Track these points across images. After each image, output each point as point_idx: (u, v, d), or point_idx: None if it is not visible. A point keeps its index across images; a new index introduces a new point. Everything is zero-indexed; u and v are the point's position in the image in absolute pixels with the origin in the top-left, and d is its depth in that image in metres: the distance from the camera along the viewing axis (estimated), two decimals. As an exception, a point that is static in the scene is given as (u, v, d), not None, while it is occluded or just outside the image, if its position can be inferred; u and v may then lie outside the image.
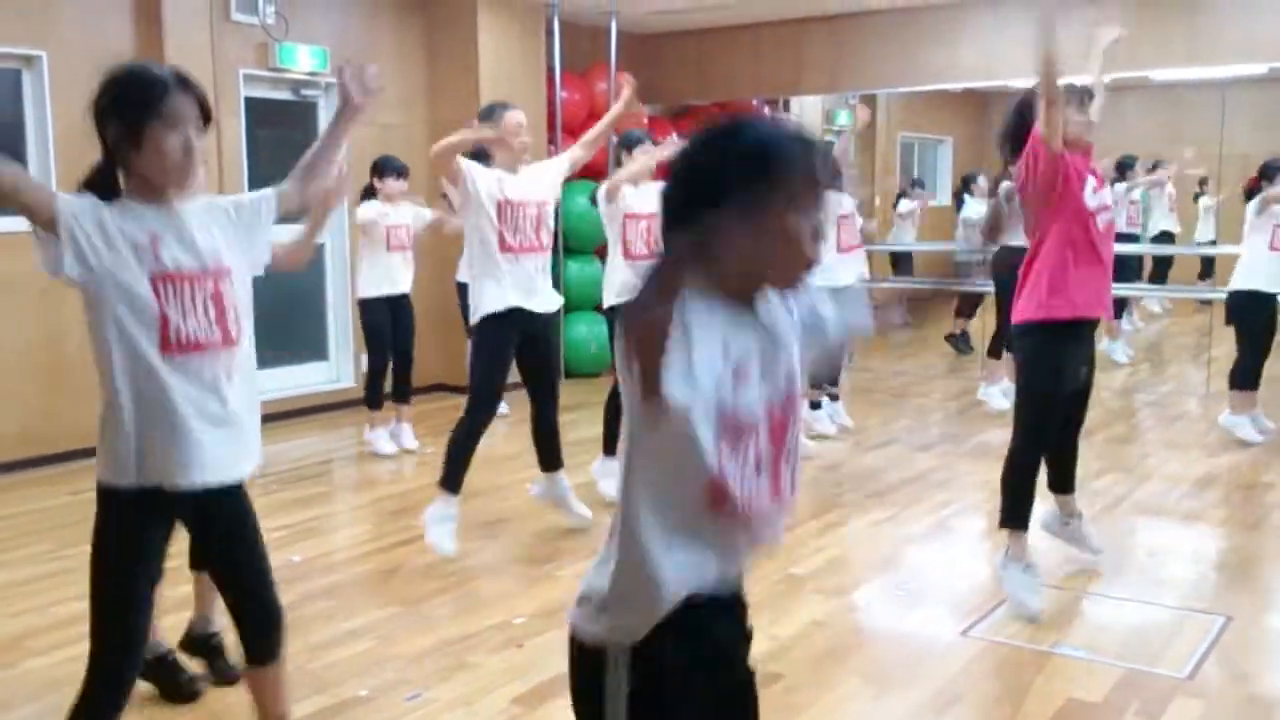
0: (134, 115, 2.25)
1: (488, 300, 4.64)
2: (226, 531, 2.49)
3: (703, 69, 10.21)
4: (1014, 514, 4.16)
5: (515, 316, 4.64)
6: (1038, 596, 4.09)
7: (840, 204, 6.88)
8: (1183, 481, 5.91)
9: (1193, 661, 3.65)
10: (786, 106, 11.55)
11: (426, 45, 8.40)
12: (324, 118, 7.90)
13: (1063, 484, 4.43)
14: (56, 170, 6.24)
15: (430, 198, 8.21)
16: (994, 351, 7.72)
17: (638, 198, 5.21)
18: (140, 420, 2.30)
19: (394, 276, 6.49)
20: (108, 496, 2.37)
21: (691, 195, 1.59)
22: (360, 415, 7.08)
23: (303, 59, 7.46)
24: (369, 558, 4.81)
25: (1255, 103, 14.40)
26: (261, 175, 7.63)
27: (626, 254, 5.25)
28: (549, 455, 4.94)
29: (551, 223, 4.81)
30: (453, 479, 4.70)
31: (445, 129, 8.29)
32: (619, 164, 5.48)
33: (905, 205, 12.16)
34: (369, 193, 6.50)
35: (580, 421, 7.67)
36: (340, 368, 8.11)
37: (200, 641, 3.54)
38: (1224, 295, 7.10)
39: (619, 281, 5.29)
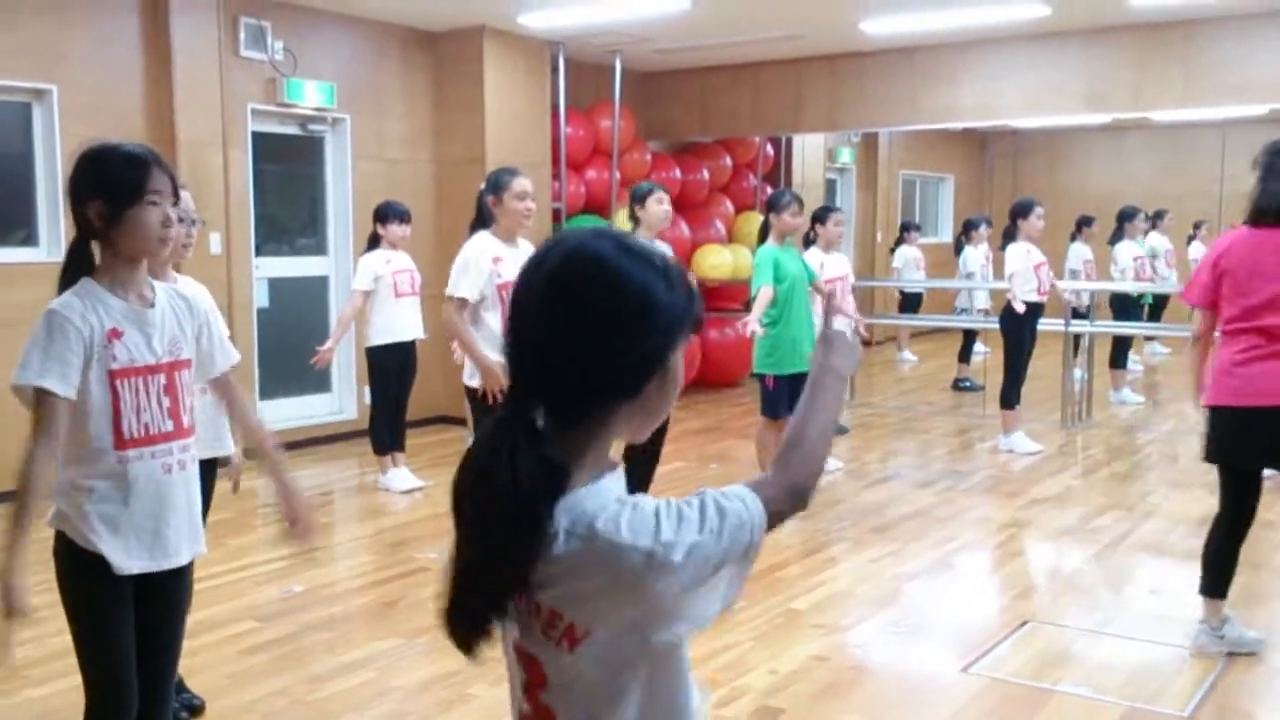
0: (120, 197, 2.31)
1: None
2: (157, 614, 2.50)
3: (705, 107, 10.30)
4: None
5: None
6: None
7: (831, 268, 6.90)
8: (1185, 520, 5.90)
9: (1194, 701, 3.64)
10: (788, 144, 11.66)
11: (433, 82, 8.48)
12: (330, 153, 7.98)
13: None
14: (65, 204, 6.29)
15: (431, 249, 8.27)
16: (1006, 402, 7.64)
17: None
18: (90, 504, 2.35)
19: (403, 324, 6.41)
20: (63, 543, 2.40)
21: (646, 354, 1.32)
22: (362, 447, 7.09)
23: (310, 94, 7.54)
24: (370, 589, 4.81)
25: (1255, 143, 14.50)
26: (268, 209, 7.70)
27: None
28: None
29: None
30: None
31: (451, 165, 8.44)
32: (632, 216, 5.35)
33: (901, 256, 12.13)
34: (374, 240, 6.48)
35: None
36: (343, 399, 8.13)
37: None
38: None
39: None
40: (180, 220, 2.89)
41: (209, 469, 3.45)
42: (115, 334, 2.34)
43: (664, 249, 1.40)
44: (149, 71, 6.76)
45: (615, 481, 1.34)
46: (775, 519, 1.35)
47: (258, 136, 7.39)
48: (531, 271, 1.33)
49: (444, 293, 4.73)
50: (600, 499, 1.29)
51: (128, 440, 2.36)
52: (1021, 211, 7.62)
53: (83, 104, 6.42)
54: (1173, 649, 4.11)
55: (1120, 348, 9.85)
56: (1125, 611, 4.57)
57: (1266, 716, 3.54)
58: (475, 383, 4.64)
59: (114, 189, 2.32)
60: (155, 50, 6.76)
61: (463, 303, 4.59)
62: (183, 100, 6.78)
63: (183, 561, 2.49)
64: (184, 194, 3.14)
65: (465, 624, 1.35)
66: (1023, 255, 7.51)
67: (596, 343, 1.29)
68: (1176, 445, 8.03)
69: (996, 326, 7.95)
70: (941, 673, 3.91)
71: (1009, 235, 7.72)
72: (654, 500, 1.29)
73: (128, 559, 2.38)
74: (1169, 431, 8.54)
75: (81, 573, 2.38)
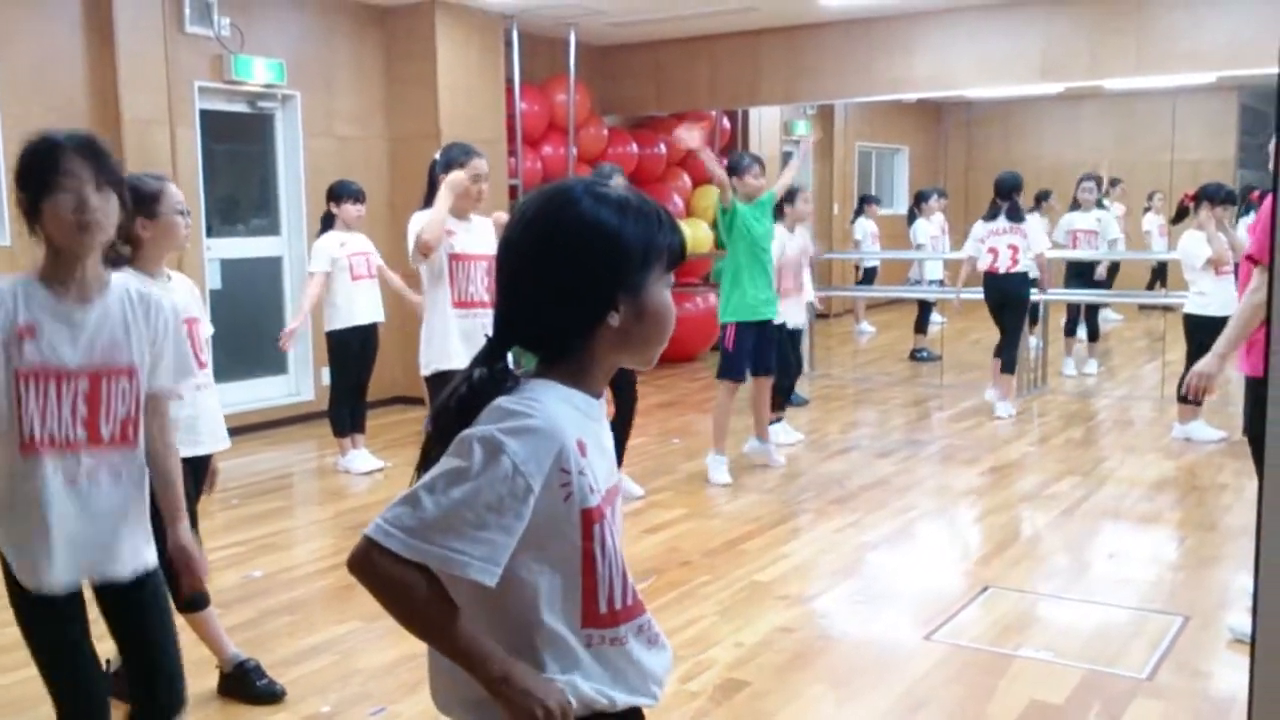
0: (34, 185, 2.20)
1: (436, 356, 4.62)
2: (128, 620, 2.43)
3: (661, 80, 10.25)
4: None
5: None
6: None
7: (791, 246, 6.89)
8: (1139, 484, 5.99)
9: (1152, 662, 3.69)
10: (745, 117, 11.64)
11: (384, 58, 8.36)
12: (281, 130, 7.84)
13: None
14: (7, 182, 6.14)
15: (386, 227, 8.17)
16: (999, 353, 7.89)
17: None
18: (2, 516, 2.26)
19: (361, 307, 6.27)
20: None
21: (599, 281, 1.42)
22: (320, 429, 7.02)
23: (259, 71, 7.40)
24: (330, 572, 4.76)
25: (1204, 111, 14.71)
26: (219, 189, 7.57)
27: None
28: None
29: None
30: None
31: (405, 142, 8.34)
32: None
33: (861, 228, 12.21)
34: (327, 219, 6.37)
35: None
36: (300, 381, 8.03)
37: (237, 678, 3.48)
38: (1175, 300, 7.20)
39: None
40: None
41: (204, 464, 3.38)
42: (29, 331, 2.18)
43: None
44: (91, 49, 6.60)
45: (560, 391, 1.43)
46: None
47: (206, 114, 7.25)
48: (511, 220, 1.49)
49: (405, 270, 4.67)
50: (521, 395, 1.41)
51: (28, 445, 2.20)
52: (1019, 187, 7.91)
53: (23, 83, 6.26)
54: (1131, 611, 4.17)
55: (1089, 318, 9.78)
56: (1084, 576, 4.63)
57: (1224, 674, 3.60)
58: (429, 370, 4.63)
59: (29, 177, 2.20)
60: (97, 26, 6.60)
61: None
62: (127, 78, 6.63)
63: (122, 575, 2.35)
64: (170, 186, 3.08)
65: None
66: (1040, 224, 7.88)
67: (549, 274, 1.42)
68: (1130, 411, 8.13)
69: (951, 297, 8.03)
70: (905, 640, 3.94)
71: (1012, 210, 7.76)
72: (523, 418, 1.38)
73: (36, 576, 2.24)
74: (1122, 398, 8.65)
75: (14, 590, 2.29)
